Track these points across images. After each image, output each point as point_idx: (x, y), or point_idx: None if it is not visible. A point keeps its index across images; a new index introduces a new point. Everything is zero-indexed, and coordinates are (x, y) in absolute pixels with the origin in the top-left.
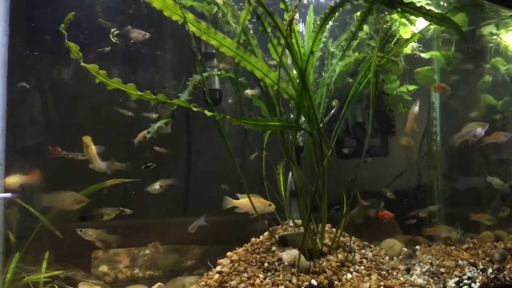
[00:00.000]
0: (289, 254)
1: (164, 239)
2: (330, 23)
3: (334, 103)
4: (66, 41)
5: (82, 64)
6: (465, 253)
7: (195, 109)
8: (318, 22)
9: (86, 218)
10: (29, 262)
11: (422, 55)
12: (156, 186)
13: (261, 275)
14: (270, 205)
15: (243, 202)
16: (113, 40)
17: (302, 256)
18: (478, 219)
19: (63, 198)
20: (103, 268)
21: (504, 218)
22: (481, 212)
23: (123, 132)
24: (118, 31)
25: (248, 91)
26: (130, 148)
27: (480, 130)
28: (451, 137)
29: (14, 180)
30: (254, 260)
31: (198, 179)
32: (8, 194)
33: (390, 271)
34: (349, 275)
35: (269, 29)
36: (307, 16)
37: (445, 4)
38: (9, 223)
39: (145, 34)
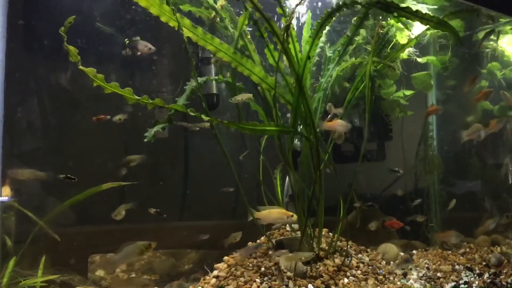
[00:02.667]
0: None
1: (160, 243)
2: (327, 28)
3: (336, 109)
4: (65, 44)
5: (81, 67)
6: (461, 257)
7: (192, 114)
8: (315, 27)
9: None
10: (26, 266)
11: (419, 60)
12: (122, 211)
13: (257, 280)
14: (292, 215)
15: (265, 214)
16: (126, 51)
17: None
18: (484, 230)
19: None
20: (100, 272)
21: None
22: (478, 219)
23: (121, 137)
24: (129, 41)
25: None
26: (129, 153)
27: (483, 132)
28: (460, 132)
29: None
30: (251, 265)
31: (195, 183)
32: (5, 198)
33: (387, 276)
34: (346, 280)
35: (265, 34)
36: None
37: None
38: (6, 228)
39: (150, 48)
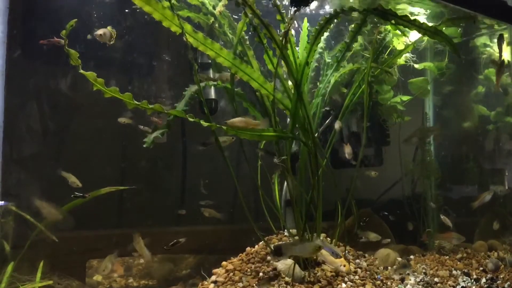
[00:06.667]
0: (284, 264)
1: (158, 248)
2: (326, 34)
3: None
4: (66, 47)
5: (81, 71)
6: (458, 262)
7: (191, 120)
8: (313, 34)
9: (206, 143)
10: (24, 271)
11: (416, 66)
12: (108, 264)
13: (256, 285)
14: (344, 265)
15: (325, 254)
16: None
17: (297, 266)
18: (480, 203)
19: None
20: (98, 277)
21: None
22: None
23: (119, 142)
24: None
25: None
26: (126, 158)
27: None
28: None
29: None
30: (249, 270)
31: (193, 188)
32: (2, 202)
33: (384, 281)
34: (343, 285)
35: (265, 40)
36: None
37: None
38: (4, 232)
39: (106, 35)
